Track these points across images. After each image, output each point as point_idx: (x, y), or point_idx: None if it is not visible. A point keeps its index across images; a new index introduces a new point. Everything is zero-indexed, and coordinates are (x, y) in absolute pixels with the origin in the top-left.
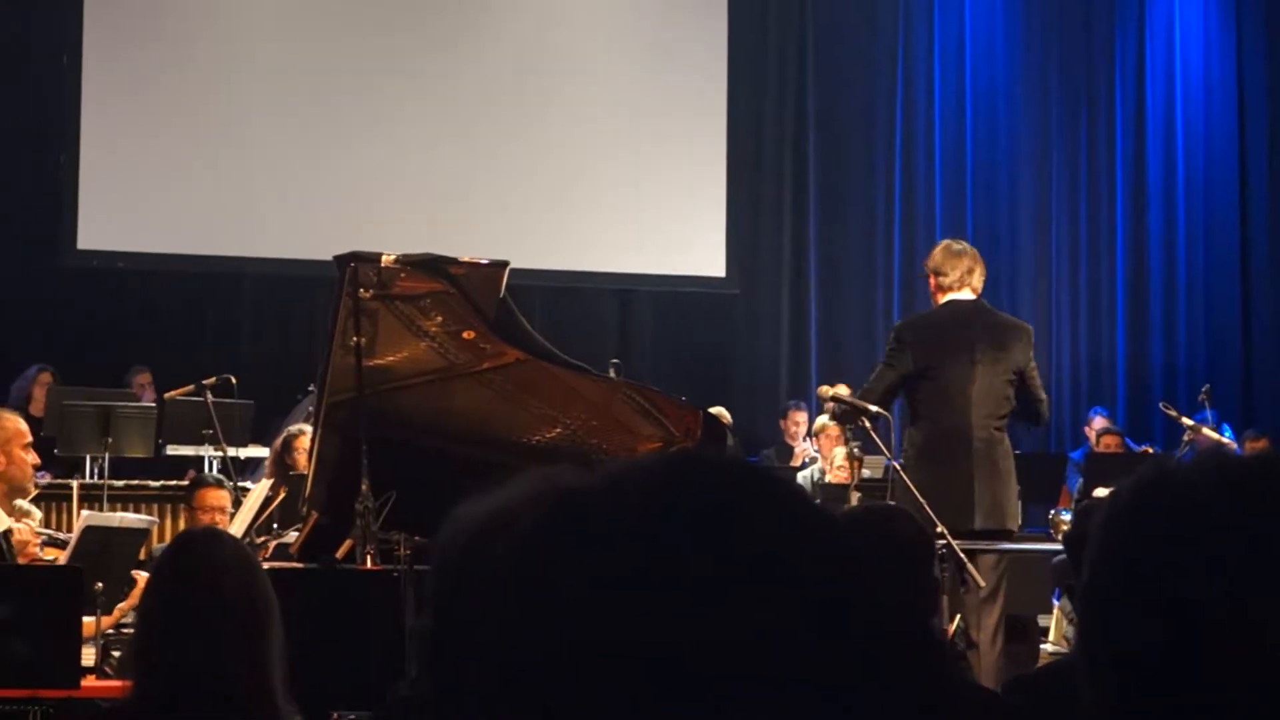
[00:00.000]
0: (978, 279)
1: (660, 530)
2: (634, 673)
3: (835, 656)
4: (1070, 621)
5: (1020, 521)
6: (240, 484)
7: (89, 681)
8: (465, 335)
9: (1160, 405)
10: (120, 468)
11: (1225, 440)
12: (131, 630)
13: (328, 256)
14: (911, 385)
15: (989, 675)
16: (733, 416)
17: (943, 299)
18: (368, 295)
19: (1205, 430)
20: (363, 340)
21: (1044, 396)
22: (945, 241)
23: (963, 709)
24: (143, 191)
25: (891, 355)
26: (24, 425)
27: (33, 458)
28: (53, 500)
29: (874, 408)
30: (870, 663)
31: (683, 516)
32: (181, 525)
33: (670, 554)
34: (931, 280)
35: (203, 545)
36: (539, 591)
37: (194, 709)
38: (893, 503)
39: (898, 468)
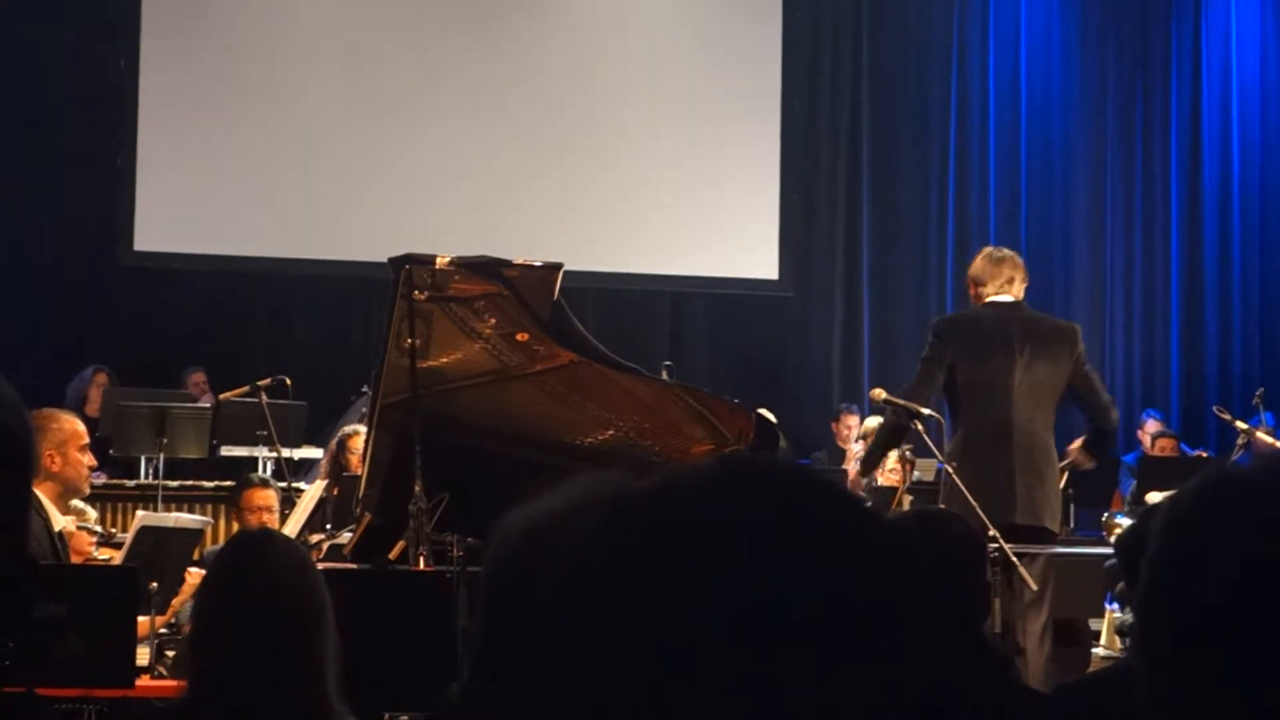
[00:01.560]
0: (1018, 286)
1: (715, 533)
2: (690, 671)
3: (890, 662)
4: (1121, 632)
5: (1059, 523)
6: (294, 485)
7: (143, 681)
8: (519, 337)
9: (1215, 409)
10: (175, 468)
11: None
12: (185, 630)
13: (382, 258)
14: (951, 383)
15: (1037, 679)
16: (785, 419)
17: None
18: (422, 297)
19: (1260, 434)
20: (417, 342)
21: (1108, 397)
22: (987, 249)
23: (1016, 712)
24: (199, 193)
25: (932, 351)
26: (81, 426)
27: (89, 459)
28: (107, 500)
29: (926, 410)
30: (924, 668)
31: (737, 519)
32: (234, 526)
33: (725, 557)
34: (972, 289)
35: (258, 546)
36: (599, 593)
37: (248, 709)
38: (944, 506)
39: (950, 470)
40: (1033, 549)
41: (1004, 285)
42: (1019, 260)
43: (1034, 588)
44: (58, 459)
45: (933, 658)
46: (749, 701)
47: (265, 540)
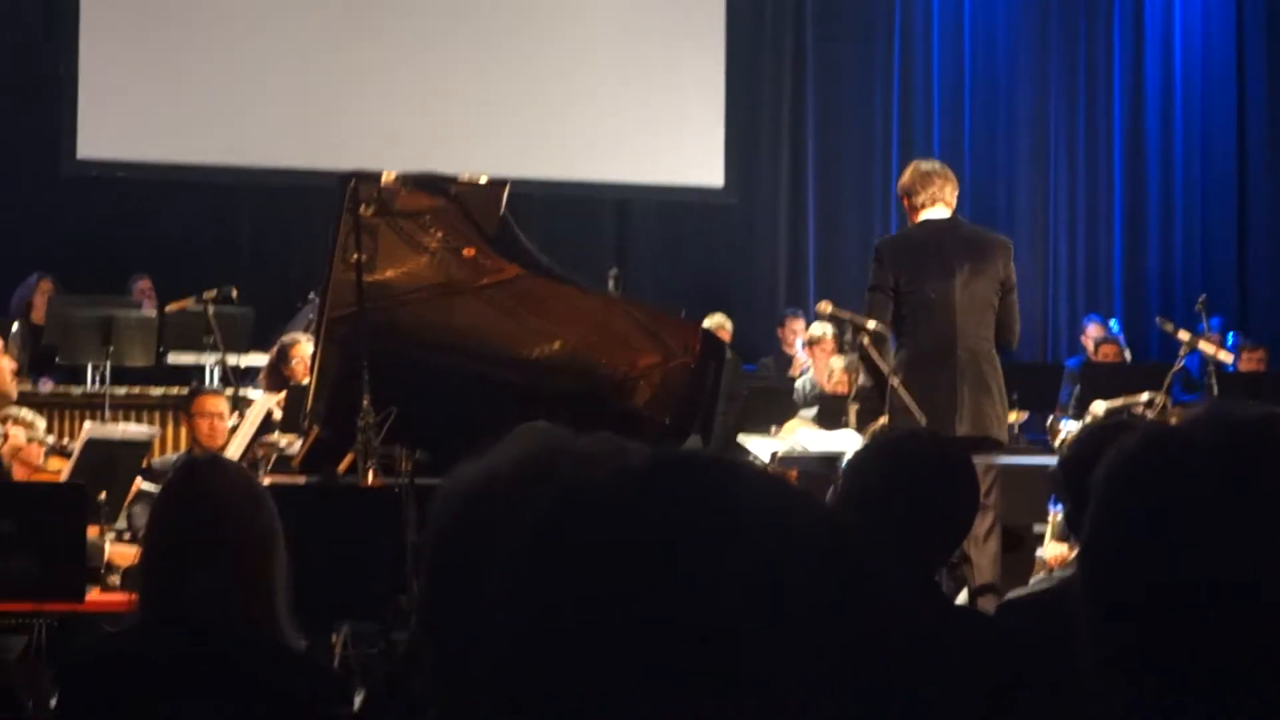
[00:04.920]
0: (950, 195)
1: (653, 533)
2: (628, 662)
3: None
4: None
5: (1005, 433)
6: (241, 392)
7: (93, 595)
8: (465, 252)
9: (1157, 320)
10: (121, 376)
11: (1224, 354)
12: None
13: (329, 166)
14: (896, 302)
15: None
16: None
17: (918, 219)
18: (368, 213)
19: (1203, 343)
20: (363, 257)
21: (1016, 325)
22: (915, 162)
23: (953, 636)
24: (143, 100)
25: (875, 276)
26: None
27: (10, 363)
28: (55, 408)
29: (872, 323)
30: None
31: (675, 518)
32: (182, 434)
33: (663, 556)
34: (905, 202)
35: (206, 475)
36: (542, 586)
37: (198, 638)
38: (888, 419)
39: (896, 385)
40: (979, 458)
41: (936, 194)
42: (949, 173)
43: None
44: None
45: (869, 640)
46: (683, 687)
47: (214, 469)
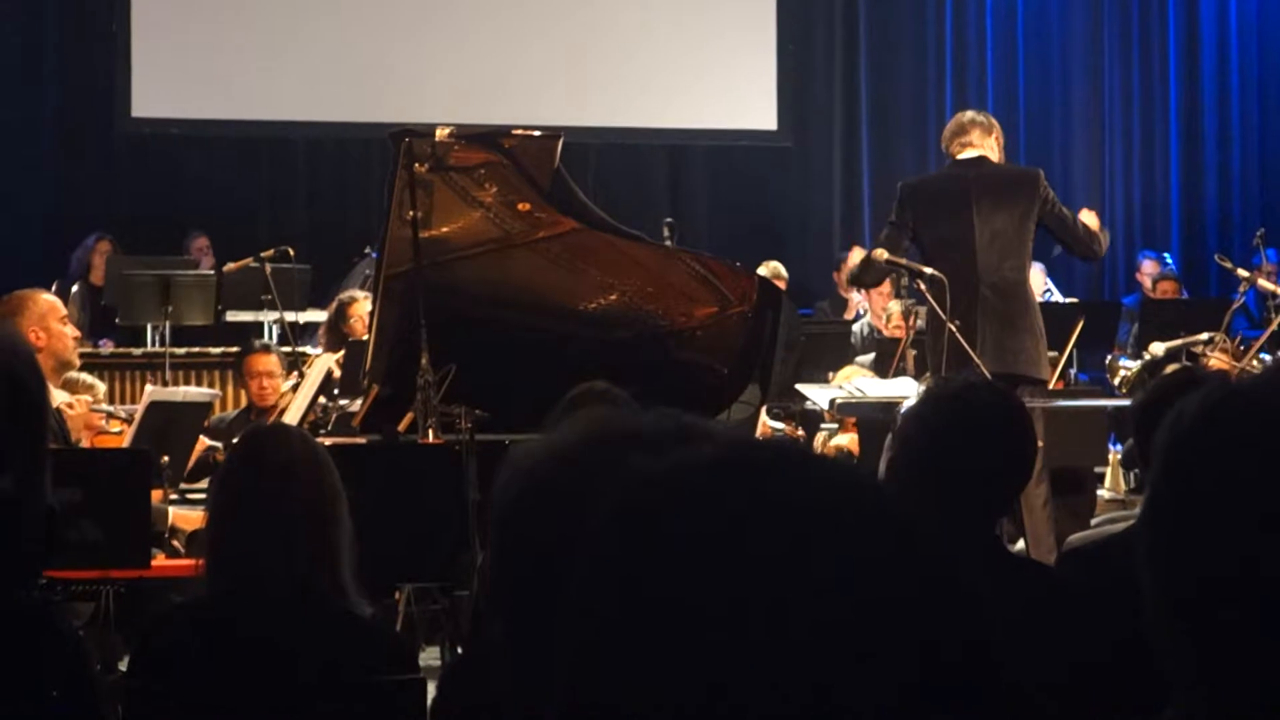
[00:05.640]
0: (981, 139)
1: (727, 527)
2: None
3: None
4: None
5: (1045, 368)
6: (299, 349)
7: (159, 560)
8: (520, 206)
9: (1216, 258)
10: (181, 335)
11: None
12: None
13: (381, 119)
14: (919, 244)
15: (1039, 529)
16: (787, 269)
17: None
18: (423, 169)
19: (1262, 280)
20: (419, 214)
21: (1078, 235)
22: (958, 114)
23: (1011, 584)
24: (197, 57)
25: (896, 215)
26: (55, 300)
27: (72, 330)
28: (115, 369)
29: (929, 270)
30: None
31: (748, 512)
32: (242, 394)
33: (732, 549)
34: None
35: (270, 444)
36: (613, 578)
37: (265, 604)
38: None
39: (954, 329)
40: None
41: (966, 144)
42: (987, 121)
43: None
44: (42, 334)
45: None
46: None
47: (278, 438)
